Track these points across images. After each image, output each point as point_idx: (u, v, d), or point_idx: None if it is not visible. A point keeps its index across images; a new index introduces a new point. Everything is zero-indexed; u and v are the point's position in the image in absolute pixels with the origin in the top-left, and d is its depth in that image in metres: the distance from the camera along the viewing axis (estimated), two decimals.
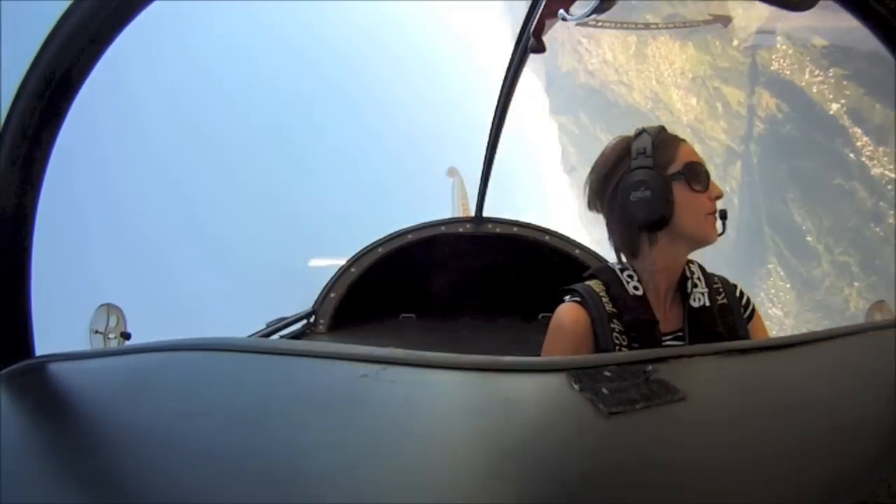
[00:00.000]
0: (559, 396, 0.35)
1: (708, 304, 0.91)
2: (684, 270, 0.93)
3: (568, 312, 0.89)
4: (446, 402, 0.35)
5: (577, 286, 0.93)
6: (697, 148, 0.97)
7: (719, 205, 0.92)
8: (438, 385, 0.37)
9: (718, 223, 0.92)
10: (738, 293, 0.97)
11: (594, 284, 0.92)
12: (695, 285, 0.92)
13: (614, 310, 0.88)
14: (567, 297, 0.93)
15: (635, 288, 0.90)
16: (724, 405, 0.37)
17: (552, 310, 0.96)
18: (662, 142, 0.92)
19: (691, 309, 0.90)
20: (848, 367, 0.44)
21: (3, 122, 0.51)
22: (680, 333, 0.90)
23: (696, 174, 0.89)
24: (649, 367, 0.39)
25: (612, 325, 0.87)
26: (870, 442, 0.32)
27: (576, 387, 0.35)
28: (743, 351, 0.45)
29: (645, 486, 0.27)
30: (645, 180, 0.90)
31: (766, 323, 1.02)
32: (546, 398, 0.36)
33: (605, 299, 0.89)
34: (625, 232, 0.94)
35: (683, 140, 0.94)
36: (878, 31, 0.49)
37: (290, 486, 0.26)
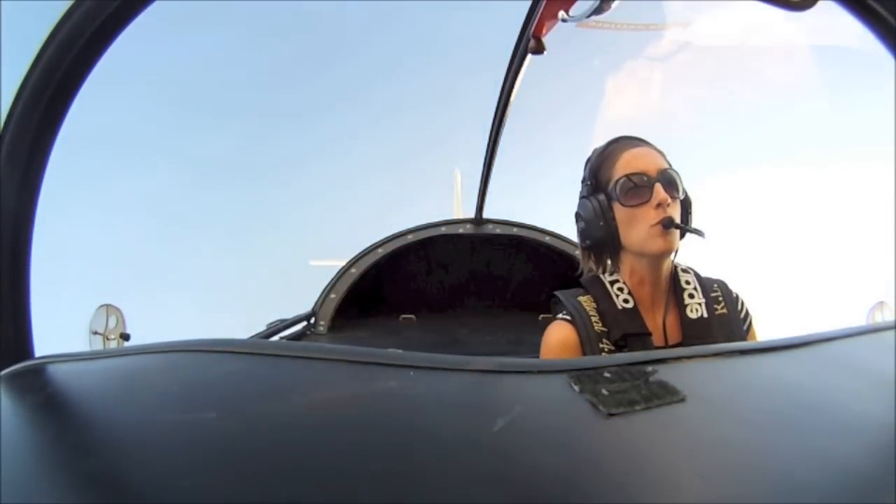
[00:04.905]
0: (559, 398, 0.35)
1: (706, 314, 0.88)
2: (676, 280, 0.91)
3: (557, 332, 0.89)
4: (446, 403, 0.35)
5: (568, 302, 0.92)
6: None
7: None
8: (438, 387, 0.37)
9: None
10: (739, 303, 0.94)
11: (585, 301, 0.90)
12: (691, 295, 0.90)
13: (604, 328, 0.87)
14: (559, 315, 0.92)
15: (625, 301, 0.88)
16: (725, 406, 0.36)
17: (552, 311, 0.96)
18: (603, 162, 0.92)
19: (688, 320, 0.88)
20: (848, 367, 0.44)
21: (3, 122, 0.51)
22: (678, 346, 0.87)
23: (626, 189, 0.86)
24: (649, 369, 0.39)
25: (602, 346, 0.85)
26: (870, 443, 0.32)
27: (575, 388, 0.35)
28: (743, 352, 0.45)
29: (645, 487, 0.27)
30: (579, 211, 0.94)
31: None
32: (546, 400, 0.36)
33: (594, 318, 0.88)
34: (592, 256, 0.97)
35: (630, 147, 0.90)
36: (878, 31, 0.49)
37: (290, 487, 0.26)
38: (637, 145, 0.90)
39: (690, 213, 0.91)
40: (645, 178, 0.85)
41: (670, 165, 0.89)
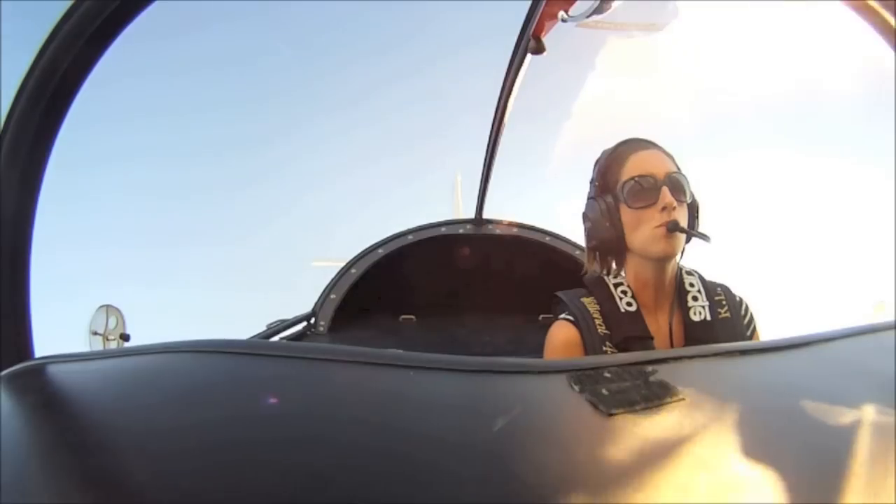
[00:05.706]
0: (559, 398, 0.35)
1: (709, 318, 0.88)
2: (681, 282, 0.91)
3: (561, 332, 0.89)
4: (446, 403, 0.35)
5: (571, 303, 0.91)
6: None
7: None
8: (438, 387, 0.37)
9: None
10: (742, 308, 0.94)
11: (589, 303, 0.90)
12: (695, 298, 0.90)
13: (607, 331, 0.87)
14: (561, 315, 0.91)
15: (628, 304, 0.88)
16: (724, 406, 0.36)
17: (553, 311, 0.96)
18: (611, 163, 0.91)
19: (692, 323, 0.88)
20: (848, 367, 0.44)
21: (3, 122, 0.51)
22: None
23: (633, 191, 0.86)
24: (649, 369, 0.39)
25: (605, 349, 0.85)
26: (870, 443, 0.32)
27: (576, 388, 0.35)
28: (743, 352, 0.45)
29: (645, 486, 0.27)
30: (585, 212, 0.94)
31: None
32: (546, 400, 0.36)
33: (598, 321, 0.87)
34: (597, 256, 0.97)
35: (639, 149, 0.90)
36: (878, 30, 0.49)
37: (290, 487, 0.26)
38: (646, 148, 0.90)
39: (697, 217, 0.91)
40: (652, 181, 0.85)
41: (679, 169, 0.88)
